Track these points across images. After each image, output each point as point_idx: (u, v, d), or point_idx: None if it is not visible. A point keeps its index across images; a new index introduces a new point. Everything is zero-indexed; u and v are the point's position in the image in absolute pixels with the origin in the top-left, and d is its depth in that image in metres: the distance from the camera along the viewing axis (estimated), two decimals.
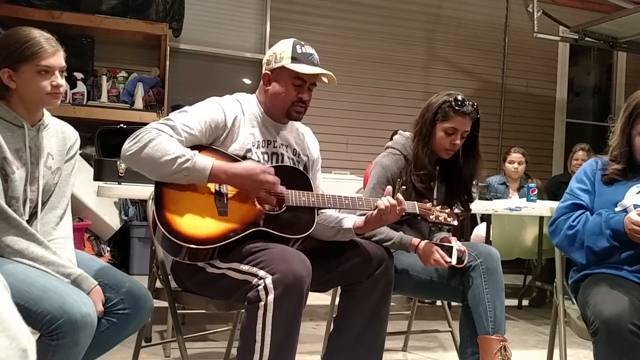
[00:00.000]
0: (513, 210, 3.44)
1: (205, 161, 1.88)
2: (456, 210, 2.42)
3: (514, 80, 6.72)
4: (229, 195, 1.96)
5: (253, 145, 2.07)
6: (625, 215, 2.01)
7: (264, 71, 2.14)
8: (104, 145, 3.27)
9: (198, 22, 5.67)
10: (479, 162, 2.53)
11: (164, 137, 1.87)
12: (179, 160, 1.83)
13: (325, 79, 2.17)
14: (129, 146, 1.86)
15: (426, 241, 2.34)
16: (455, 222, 2.23)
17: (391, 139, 2.71)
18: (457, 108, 2.38)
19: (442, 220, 2.20)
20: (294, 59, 2.07)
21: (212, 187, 1.95)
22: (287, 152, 2.17)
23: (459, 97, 2.41)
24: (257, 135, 2.10)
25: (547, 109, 6.88)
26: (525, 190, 4.01)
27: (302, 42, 2.13)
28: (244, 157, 2.04)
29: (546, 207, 3.48)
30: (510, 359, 2.20)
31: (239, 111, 2.09)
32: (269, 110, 2.15)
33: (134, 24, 5.10)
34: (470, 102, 2.41)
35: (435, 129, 2.43)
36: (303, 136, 2.29)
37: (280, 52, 2.10)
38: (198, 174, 1.86)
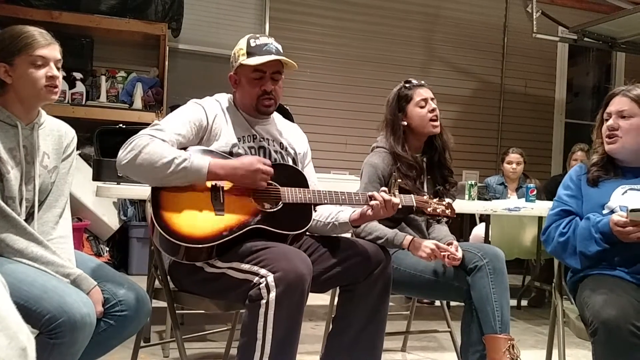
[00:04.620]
0: (512, 211, 3.44)
1: (202, 160, 1.89)
2: (448, 200, 2.44)
3: (513, 80, 6.72)
4: (226, 195, 1.96)
5: (239, 141, 2.09)
6: None
7: (229, 74, 2.17)
8: (102, 145, 3.26)
9: (197, 22, 5.67)
10: (445, 131, 2.62)
11: (157, 142, 1.88)
12: (176, 162, 1.84)
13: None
14: (123, 155, 1.87)
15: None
16: (454, 214, 2.28)
17: None
18: (412, 85, 2.57)
19: (440, 212, 2.23)
20: (249, 53, 2.08)
21: (209, 184, 1.95)
22: (273, 146, 2.18)
23: (407, 79, 2.61)
24: (240, 131, 2.12)
25: (546, 109, 6.89)
26: (524, 190, 4.01)
27: (257, 35, 2.15)
28: (230, 153, 2.05)
29: (545, 208, 3.48)
30: (519, 357, 2.21)
31: (219, 110, 2.12)
32: (244, 109, 2.17)
33: (133, 24, 5.10)
34: (415, 79, 2.62)
35: (408, 114, 2.53)
36: (288, 130, 2.30)
37: (237, 51, 2.13)
38: (196, 173, 1.87)
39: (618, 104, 2.14)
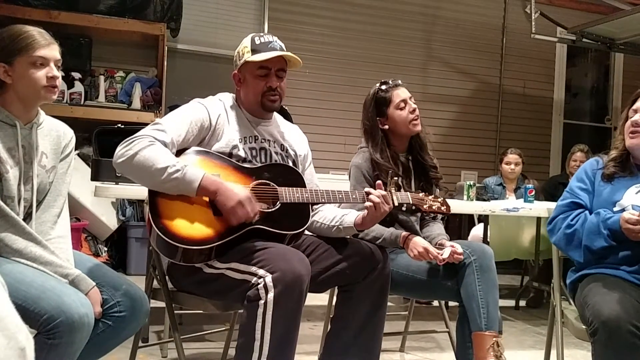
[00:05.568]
0: (510, 211, 3.44)
1: (196, 174, 1.86)
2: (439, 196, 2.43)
3: (511, 81, 6.73)
4: None
5: (240, 142, 2.08)
6: None
7: (233, 72, 2.17)
8: (101, 145, 3.26)
9: (196, 23, 5.67)
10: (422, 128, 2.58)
11: (156, 146, 1.87)
12: (169, 170, 1.83)
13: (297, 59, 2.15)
14: (121, 153, 1.87)
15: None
16: (449, 210, 2.29)
17: None
18: (389, 87, 2.53)
19: (436, 209, 2.24)
20: (254, 50, 2.09)
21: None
22: (274, 147, 2.18)
23: (381, 81, 2.56)
24: (242, 132, 2.11)
25: (544, 110, 6.90)
26: (523, 191, 4.02)
27: (261, 33, 2.16)
28: (230, 154, 2.05)
29: (543, 208, 3.48)
30: (503, 354, 2.20)
31: (222, 110, 2.12)
32: (247, 108, 2.17)
33: (131, 24, 5.10)
34: (391, 79, 2.57)
35: (389, 118, 2.50)
36: (289, 132, 2.30)
37: (242, 49, 2.13)
38: (187, 185, 1.85)
39: None
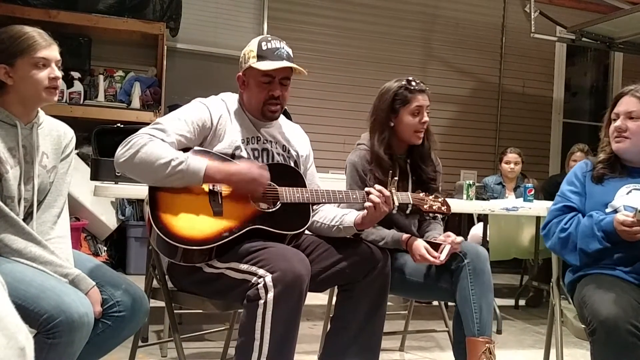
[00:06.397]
0: (510, 211, 3.44)
1: (199, 162, 1.88)
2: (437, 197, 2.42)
3: (511, 80, 6.73)
4: (224, 195, 1.96)
5: (242, 142, 2.08)
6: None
7: (237, 74, 2.16)
8: (100, 145, 3.26)
9: (195, 22, 5.67)
10: (431, 134, 2.54)
11: (156, 142, 1.87)
12: (173, 164, 1.84)
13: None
14: (122, 152, 1.87)
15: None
16: (449, 211, 2.28)
17: None
18: (412, 87, 2.43)
19: (436, 209, 2.23)
20: (260, 56, 2.06)
21: (206, 187, 1.95)
22: (276, 148, 2.18)
23: (409, 78, 2.46)
24: (245, 133, 2.11)
25: (544, 109, 6.90)
26: (522, 190, 4.02)
27: (270, 38, 2.12)
28: (232, 155, 2.05)
29: (543, 207, 3.48)
30: None
31: (224, 110, 2.11)
32: (249, 110, 2.16)
33: (131, 23, 5.10)
34: (418, 80, 2.47)
35: (398, 117, 2.44)
36: (291, 132, 2.29)
37: (247, 52, 2.10)
38: (192, 175, 1.86)
39: (627, 104, 2.12)
